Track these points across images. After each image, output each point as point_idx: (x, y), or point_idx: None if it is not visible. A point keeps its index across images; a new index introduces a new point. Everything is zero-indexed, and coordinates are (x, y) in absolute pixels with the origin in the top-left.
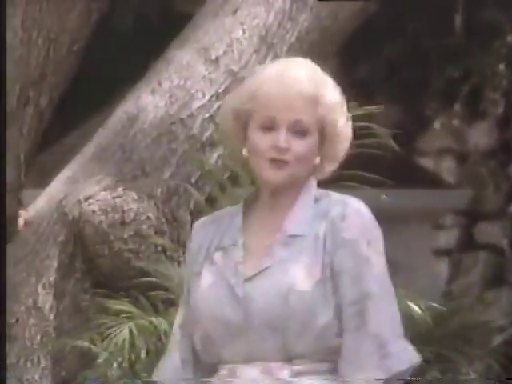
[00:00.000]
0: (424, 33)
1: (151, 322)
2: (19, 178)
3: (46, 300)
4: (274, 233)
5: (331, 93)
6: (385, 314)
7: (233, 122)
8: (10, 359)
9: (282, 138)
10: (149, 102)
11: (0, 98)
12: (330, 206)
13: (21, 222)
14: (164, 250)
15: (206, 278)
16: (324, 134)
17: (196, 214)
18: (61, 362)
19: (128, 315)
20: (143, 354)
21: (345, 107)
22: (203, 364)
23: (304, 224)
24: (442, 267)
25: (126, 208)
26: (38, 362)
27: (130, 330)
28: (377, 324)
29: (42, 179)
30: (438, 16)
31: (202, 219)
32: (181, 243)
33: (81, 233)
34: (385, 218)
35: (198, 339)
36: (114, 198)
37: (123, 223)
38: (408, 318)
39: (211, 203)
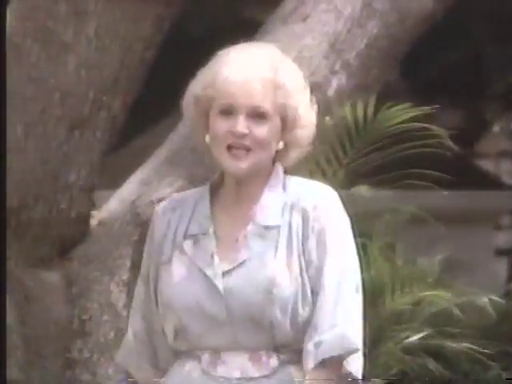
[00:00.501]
0: (487, 38)
1: None
2: (92, 180)
3: (118, 297)
4: (245, 222)
5: (291, 78)
6: (328, 304)
7: (195, 109)
8: (84, 355)
9: (240, 123)
10: None
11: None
12: (301, 195)
13: (94, 222)
14: None
15: (178, 269)
16: (285, 119)
17: None
18: None
19: None
20: None
21: (307, 92)
22: (168, 349)
23: (276, 214)
24: (502, 266)
25: None
26: (111, 357)
27: None
28: (317, 314)
29: (112, 181)
30: (501, 22)
31: (163, 204)
32: None
33: None
34: (448, 219)
35: (170, 330)
36: None
37: None
38: (473, 313)
39: None
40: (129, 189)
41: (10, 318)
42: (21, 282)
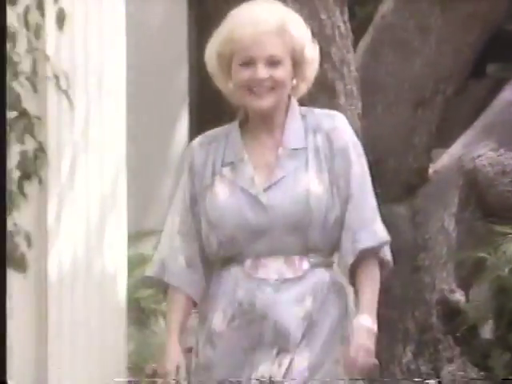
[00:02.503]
0: None
1: None
2: (430, 142)
3: (450, 223)
4: (274, 148)
5: (296, 25)
6: (360, 209)
7: (217, 62)
8: (425, 263)
9: (260, 71)
10: None
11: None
12: (319, 120)
13: (431, 171)
14: None
15: (222, 191)
16: (295, 59)
17: None
18: None
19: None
20: None
21: (309, 33)
22: (210, 262)
23: (300, 138)
24: None
25: (506, 163)
26: (445, 264)
27: None
28: (351, 218)
29: (445, 142)
30: None
31: (198, 139)
32: None
33: (474, 179)
34: None
35: (215, 241)
36: (497, 156)
37: (504, 173)
38: None
39: None
40: (456, 149)
41: None
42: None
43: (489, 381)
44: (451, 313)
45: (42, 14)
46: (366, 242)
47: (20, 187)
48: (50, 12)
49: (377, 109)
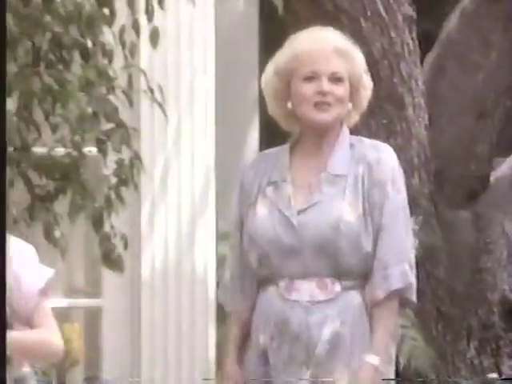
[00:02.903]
0: None
1: None
2: (491, 151)
3: (510, 228)
4: (317, 171)
5: (355, 51)
6: (391, 242)
7: (277, 81)
8: (487, 265)
9: (325, 84)
10: None
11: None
12: (366, 151)
13: (492, 178)
14: None
15: (262, 209)
16: (352, 83)
17: None
18: None
19: None
20: None
21: (364, 63)
22: (254, 279)
23: (344, 165)
24: None
25: None
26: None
27: None
28: (383, 251)
29: (505, 152)
30: None
31: (251, 160)
32: None
33: None
34: None
35: (254, 258)
36: None
37: None
38: None
39: None
40: None
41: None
42: (443, 217)
43: None
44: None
45: (137, 33)
46: (396, 283)
47: (117, 193)
48: (145, 30)
49: (441, 120)
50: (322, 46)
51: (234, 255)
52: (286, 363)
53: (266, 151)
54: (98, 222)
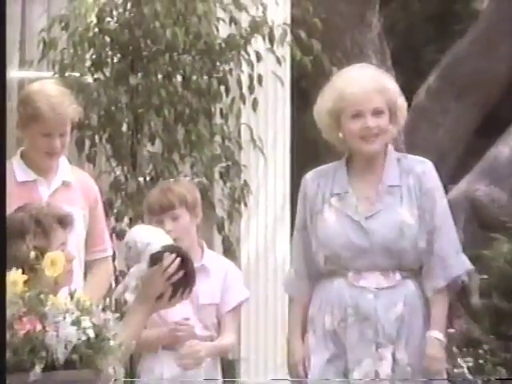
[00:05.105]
0: None
1: None
2: None
3: (459, 235)
4: (374, 184)
5: (391, 83)
6: (445, 239)
7: (329, 117)
8: None
9: (369, 121)
10: None
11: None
12: (413, 164)
13: None
14: None
15: (330, 217)
16: (391, 110)
17: None
18: None
19: None
20: None
21: (398, 88)
22: (316, 273)
23: (396, 177)
24: None
25: (494, 195)
26: None
27: None
28: (440, 247)
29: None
30: None
31: (310, 174)
32: None
33: (474, 205)
34: None
35: (321, 256)
36: (489, 190)
37: (493, 200)
38: None
39: None
40: (463, 184)
41: None
42: None
43: None
44: None
45: (244, 102)
46: (457, 269)
47: (233, 208)
48: (249, 99)
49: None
50: (364, 88)
51: (296, 254)
52: (357, 341)
53: (323, 167)
54: (220, 227)
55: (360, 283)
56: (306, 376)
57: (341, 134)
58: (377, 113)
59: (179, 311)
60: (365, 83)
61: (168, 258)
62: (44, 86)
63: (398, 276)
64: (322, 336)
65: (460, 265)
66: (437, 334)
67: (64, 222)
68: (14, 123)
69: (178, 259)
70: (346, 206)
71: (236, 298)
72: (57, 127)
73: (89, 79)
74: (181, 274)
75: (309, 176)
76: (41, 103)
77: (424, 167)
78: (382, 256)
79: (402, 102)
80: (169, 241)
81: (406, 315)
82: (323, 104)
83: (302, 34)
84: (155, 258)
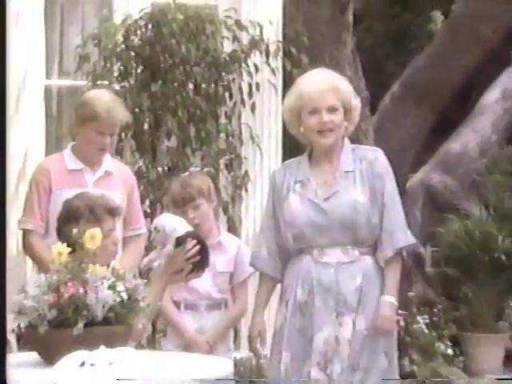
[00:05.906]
0: None
1: None
2: None
3: (418, 215)
4: (332, 170)
5: (345, 85)
6: (392, 216)
7: (291, 114)
8: None
9: (324, 116)
10: None
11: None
12: (365, 152)
13: (407, 185)
14: None
15: (294, 201)
16: (345, 108)
17: None
18: None
19: None
20: None
21: (352, 90)
22: (287, 251)
23: (351, 164)
24: None
25: (447, 182)
26: None
27: None
28: (387, 222)
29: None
30: None
31: (279, 166)
32: None
33: (430, 190)
34: None
35: (290, 236)
36: (442, 178)
37: (445, 187)
38: None
39: None
40: (420, 174)
41: None
42: None
43: None
44: None
45: (244, 105)
46: (402, 242)
47: (233, 197)
48: (248, 103)
49: None
50: (319, 86)
51: (268, 236)
52: (320, 310)
53: (289, 160)
54: (225, 209)
55: (323, 259)
56: (263, 348)
57: (302, 129)
58: (331, 110)
59: (201, 278)
60: (321, 84)
61: (190, 242)
62: (101, 93)
63: (356, 252)
64: (293, 306)
65: (405, 238)
66: (389, 298)
67: (113, 212)
68: (55, 125)
69: (198, 246)
70: (308, 190)
71: (247, 270)
72: (109, 127)
73: (116, 87)
74: (198, 257)
75: (277, 168)
76: (99, 106)
77: (375, 154)
78: (340, 232)
79: (356, 102)
80: (190, 228)
81: (364, 287)
82: (287, 102)
83: (293, 50)
84: (180, 241)
